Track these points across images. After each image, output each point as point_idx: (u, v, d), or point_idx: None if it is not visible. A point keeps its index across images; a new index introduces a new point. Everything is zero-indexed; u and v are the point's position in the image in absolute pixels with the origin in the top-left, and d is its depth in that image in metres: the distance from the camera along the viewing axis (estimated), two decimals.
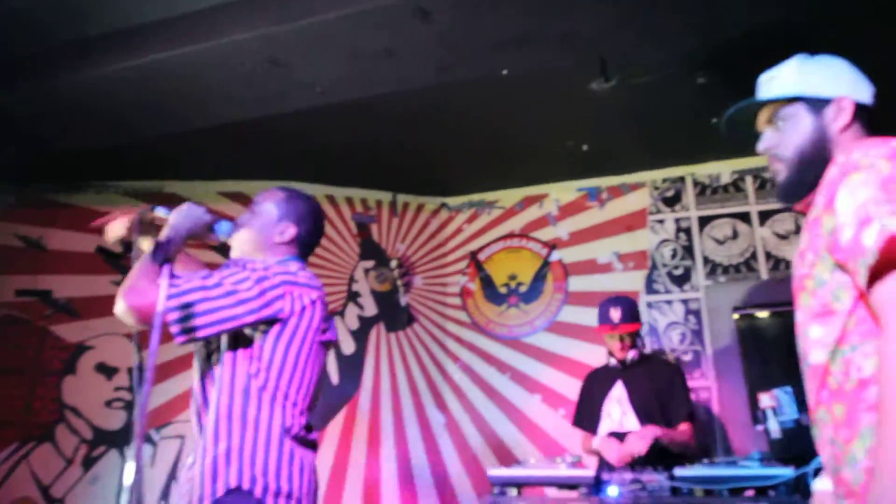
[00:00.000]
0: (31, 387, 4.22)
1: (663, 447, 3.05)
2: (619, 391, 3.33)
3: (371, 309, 4.75)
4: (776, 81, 1.46)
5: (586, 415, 3.44)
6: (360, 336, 4.66)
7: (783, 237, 4.30)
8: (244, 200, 4.76)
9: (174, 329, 1.72)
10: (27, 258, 4.45)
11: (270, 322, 1.81)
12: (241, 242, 2.05)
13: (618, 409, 3.29)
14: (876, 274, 1.09)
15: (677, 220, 4.53)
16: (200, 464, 1.75)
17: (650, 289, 4.43)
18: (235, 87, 3.53)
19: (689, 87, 3.57)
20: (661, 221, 4.56)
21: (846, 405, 1.16)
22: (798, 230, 4.29)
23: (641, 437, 3.01)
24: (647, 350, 3.45)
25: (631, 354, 3.33)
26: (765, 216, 4.38)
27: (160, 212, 1.90)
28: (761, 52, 3.38)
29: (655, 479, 2.58)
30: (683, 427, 3.22)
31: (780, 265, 4.25)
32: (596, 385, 3.45)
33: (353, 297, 4.74)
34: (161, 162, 4.49)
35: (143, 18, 3.32)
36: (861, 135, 1.37)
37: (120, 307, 1.73)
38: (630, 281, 4.48)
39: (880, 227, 1.07)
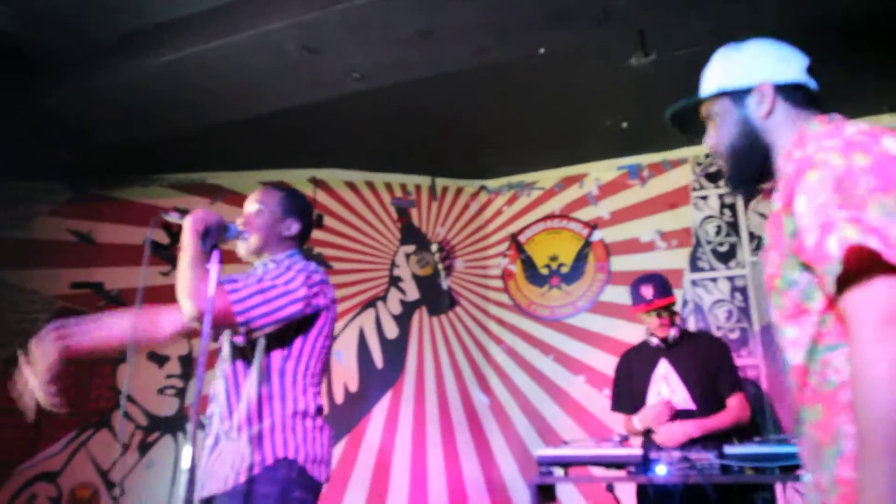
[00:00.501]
0: (88, 376, 4.37)
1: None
2: (664, 369, 3.24)
3: (413, 293, 4.77)
4: (706, 78, 1.47)
5: (626, 397, 3.35)
6: (403, 320, 4.69)
7: None
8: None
9: (241, 329, 1.89)
10: (79, 252, 4.59)
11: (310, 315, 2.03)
12: (251, 240, 2.17)
13: (666, 387, 3.22)
14: (842, 283, 1.07)
15: (721, 196, 4.44)
16: (246, 438, 1.92)
17: (694, 266, 4.36)
18: (272, 76, 3.57)
19: None
20: (704, 198, 4.48)
21: (824, 406, 1.14)
22: None
23: (673, 433, 2.95)
24: (688, 327, 3.36)
25: (672, 332, 3.24)
26: None
27: (172, 217, 2.01)
28: (801, 22, 3.30)
29: (705, 457, 2.55)
30: (732, 401, 3.12)
31: None
32: (635, 365, 3.36)
33: (394, 281, 4.77)
34: (203, 154, 4.57)
35: (178, 13, 3.38)
36: (797, 116, 1.35)
37: (189, 311, 1.83)
38: (673, 259, 4.41)
39: (839, 238, 1.05)
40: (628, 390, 3.34)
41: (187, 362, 4.42)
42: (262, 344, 2.00)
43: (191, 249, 1.93)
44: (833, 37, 3.31)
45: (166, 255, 4.61)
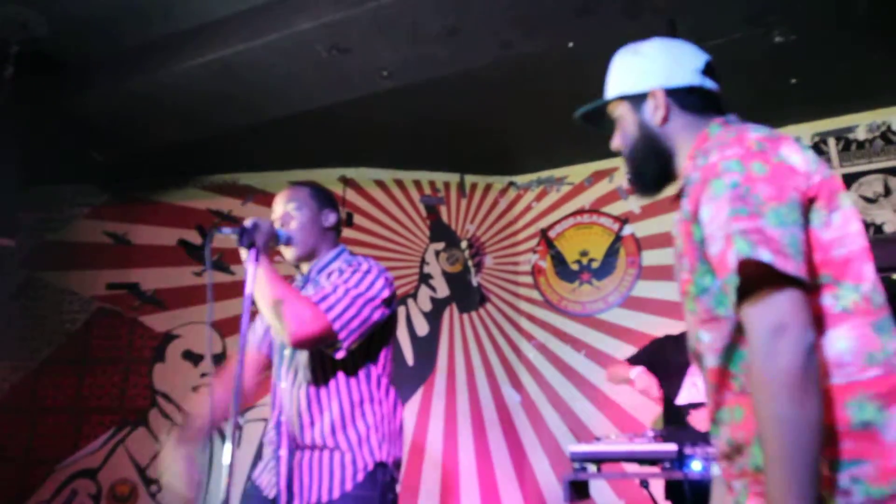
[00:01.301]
0: (124, 375, 4.45)
1: None
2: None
3: (443, 290, 4.78)
4: (609, 82, 1.47)
5: (649, 363, 3.24)
6: (434, 317, 4.70)
7: (871, 200, 4.09)
8: None
9: (341, 347, 1.87)
10: (115, 253, 4.68)
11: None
12: (300, 241, 2.11)
13: (688, 379, 3.16)
14: (741, 294, 1.07)
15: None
16: (345, 445, 1.91)
17: None
18: (302, 76, 3.59)
19: (765, 46, 3.42)
20: None
21: (747, 408, 1.13)
22: (888, 192, 4.06)
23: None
24: None
25: None
26: (850, 179, 4.16)
27: (226, 232, 1.93)
28: (838, 7, 3.22)
29: None
30: None
31: (868, 230, 4.04)
32: (680, 352, 3.24)
33: (424, 279, 4.78)
34: (235, 155, 4.63)
35: (208, 17, 3.42)
36: (695, 119, 1.34)
37: (293, 338, 1.81)
38: None
39: (734, 251, 1.06)
40: (659, 365, 3.23)
41: (221, 361, 4.48)
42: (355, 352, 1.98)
43: (264, 266, 1.87)
44: (863, 26, 3.24)
45: (200, 255, 4.68)
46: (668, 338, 3.41)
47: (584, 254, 4.73)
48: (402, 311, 4.67)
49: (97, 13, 3.35)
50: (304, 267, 2.18)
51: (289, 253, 2.13)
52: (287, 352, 2.05)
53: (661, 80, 1.37)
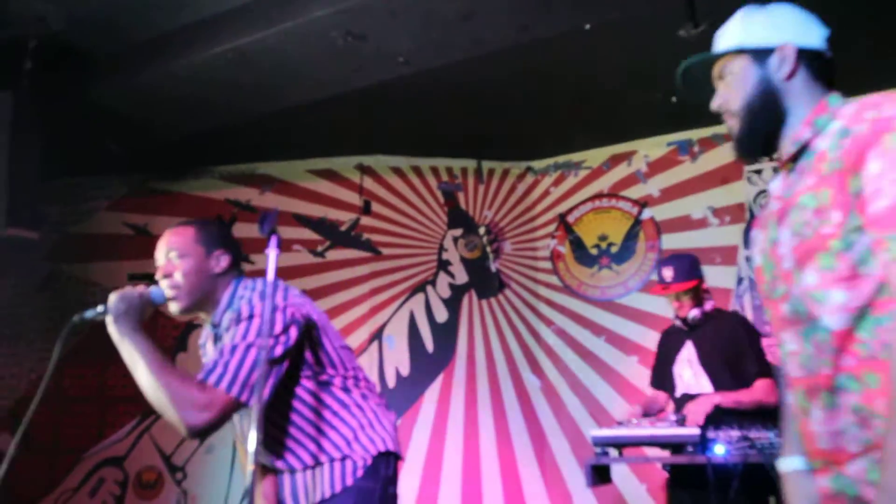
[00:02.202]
0: None
1: (731, 409, 2.87)
2: (688, 352, 3.17)
3: (462, 277, 4.78)
4: (724, 36, 1.43)
5: (659, 376, 3.32)
6: (453, 304, 4.70)
7: None
8: (333, 177, 4.86)
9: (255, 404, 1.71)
10: (136, 244, 4.73)
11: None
12: (185, 294, 1.91)
13: (689, 370, 3.14)
14: None
15: (776, 169, 4.30)
16: (336, 454, 1.90)
17: (749, 243, 4.25)
18: (318, 64, 3.59)
19: None
20: (758, 172, 4.35)
21: (883, 375, 1.10)
22: None
23: (698, 407, 2.82)
24: (709, 308, 3.22)
25: (692, 314, 3.13)
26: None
27: (90, 315, 1.81)
28: (817, 5, 3.15)
29: (765, 436, 2.49)
30: (759, 383, 2.96)
31: None
32: (668, 345, 3.30)
33: (443, 265, 4.78)
34: (252, 144, 4.64)
35: (223, 6, 3.43)
36: (815, 85, 1.33)
37: (188, 430, 1.67)
38: (727, 236, 4.31)
39: None
40: (662, 370, 3.29)
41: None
42: (291, 381, 1.88)
43: (139, 350, 1.71)
44: (843, 23, 3.18)
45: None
46: (669, 328, 3.42)
47: (602, 238, 4.70)
48: (421, 297, 4.68)
49: (114, 5, 3.37)
50: (205, 317, 2.00)
51: (173, 308, 1.92)
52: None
53: (793, 37, 1.35)
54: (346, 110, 4.12)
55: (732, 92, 1.39)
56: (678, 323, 3.23)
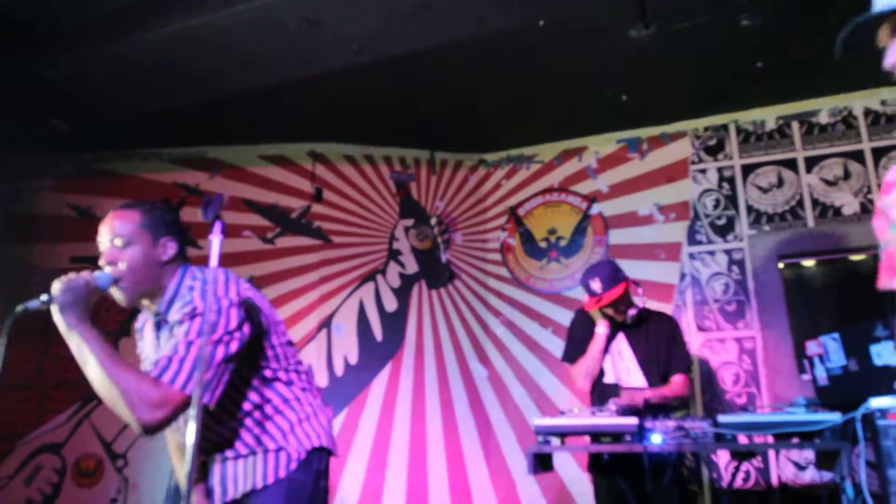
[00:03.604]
0: None
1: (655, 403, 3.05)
2: (621, 345, 3.32)
3: (412, 266, 4.80)
4: None
5: (577, 354, 3.38)
6: (402, 293, 4.72)
7: (831, 183, 4.19)
8: (285, 164, 4.82)
9: (208, 403, 1.72)
10: (79, 226, 4.60)
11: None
12: (131, 284, 1.83)
13: (622, 364, 3.30)
14: None
15: (720, 170, 4.45)
16: (271, 445, 1.92)
17: (692, 239, 4.38)
18: (271, 48, 3.55)
19: (732, 30, 3.47)
20: (703, 171, 4.48)
21: None
22: (847, 175, 4.16)
23: (632, 400, 3.00)
24: (642, 303, 3.35)
25: (630, 314, 3.27)
26: (812, 162, 4.27)
27: (34, 305, 1.70)
28: None
29: (699, 425, 2.59)
30: (676, 379, 3.23)
31: (827, 212, 4.15)
32: (589, 327, 3.36)
33: (393, 255, 4.79)
34: (203, 128, 4.56)
35: None
36: None
37: (141, 426, 1.64)
38: (671, 232, 4.43)
39: None
40: (583, 345, 3.36)
41: None
42: (236, 373, 1.83)
43: (88, 343, 1.64)
44: (828, 12, 3.29)
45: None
46: (579, 312, 3.52)
47: (552, 232, 4.78)
48: (371, 286, 4.68)
49: None
50: (149, 304, 1.93)
51: (118, 296, 1.84)
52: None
53: None
54: (300, 96, 4.09)
55: None
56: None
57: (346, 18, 3.32)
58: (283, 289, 4.55)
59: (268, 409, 1.94)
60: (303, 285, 4.60)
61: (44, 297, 1.69)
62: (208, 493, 1.94)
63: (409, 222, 4.88)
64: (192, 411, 1.50)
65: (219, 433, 1.92)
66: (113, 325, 4.44)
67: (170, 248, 1.90)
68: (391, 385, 4.48)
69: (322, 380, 4.41)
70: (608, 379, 3.32)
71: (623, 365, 3.30)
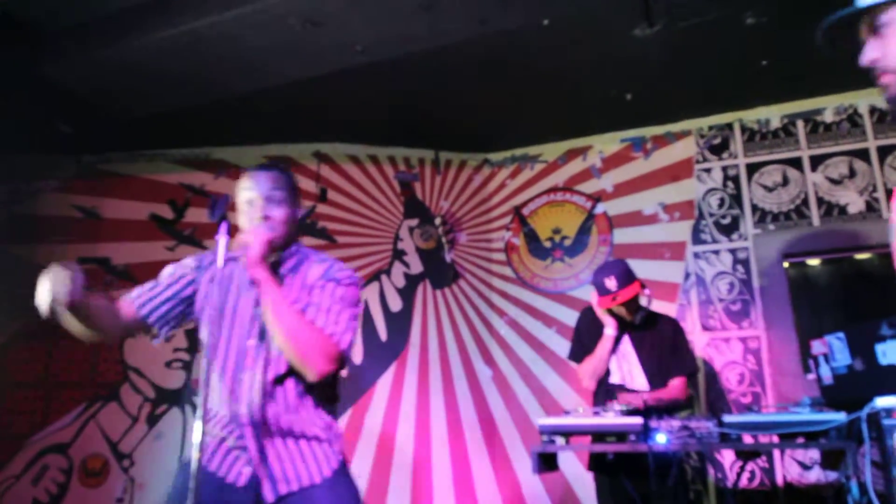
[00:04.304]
0: (95, 350, 4.42)
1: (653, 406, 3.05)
2: (626, 346, 3.32)
3: (417, 266, 4.80)
4: None
5: (587, 352, 3.38)
6: (407, 293, 4.72)
7: (836, 182, 4.18)
8: (290, 164, 4.82)
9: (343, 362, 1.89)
10: (85, 227, 4.62)
11: None
12: (278, 237, 1.96)
13: (625, 365, 3.31)
14: None
15: (724, 169, 4.44)
16: (321, 434, 1.93)
17: (697, 239, 4.37)
18: (275, 49, 3.56)
19: (736, 28, 3.46)
20: (707, 170, 4.47)
21: None
22: (853, 174, 4.15)
23: (629, 403, 3.00)
24: (647, 304, 3.35)
25: (640, 316, 3.30)
26: (817, 161, 4.25)
27: (223, 239, 1.80)
28: None
29: (704, 425, 2.58)
30: (674, 383, 3.24)
31: (832, 211, 4.14)
32: (597, 326, 3.36)
33: (398, 255, 4.79)
34: (208, 129, 4.57)
35: None
36: None
37: (315, 374, 1.81)
38: (676, 231, 4.42)
39: None
40: (590, 344, 3.37)
41: (194, 336, 4.47)
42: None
43: (277, 292, 1.81)
44: (834, 9, 3.28)
45: (171, 230, 4.64)
46: (586, 311, 3.52)
47: (556, 231, 4.78)
48: (375, 286, 4.68)
49: None
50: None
51: (257, 250, 1.91)
52: (251, 342, 1.92)
53: None
54: (304, 97, 4.10)
55: (891, 46, 1.25)
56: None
57: (350, 19, 3.32)
58: None
59: (329, 392, 1.99)
60: None
61: (238, 252, 1.83)
62: (248, 486, 1.86)
63: (414, 222, 4.88)
64: (199, 411, 1.52)
65: (298, 413, 1.92)
66: None
67: (300, 213, 2.07)
68: (396, 385, 4.49)
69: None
70: (614, 379, 3.33)
71: (627, 367, 3.31)
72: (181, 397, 4.37)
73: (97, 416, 4.34)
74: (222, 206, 1.80)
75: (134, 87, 3.90)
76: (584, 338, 3.44)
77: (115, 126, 4.28)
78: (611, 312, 3.32)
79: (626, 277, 3.23)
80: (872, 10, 1.27)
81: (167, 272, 2.09)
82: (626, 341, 3.33)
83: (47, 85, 3.78)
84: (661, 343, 3.31)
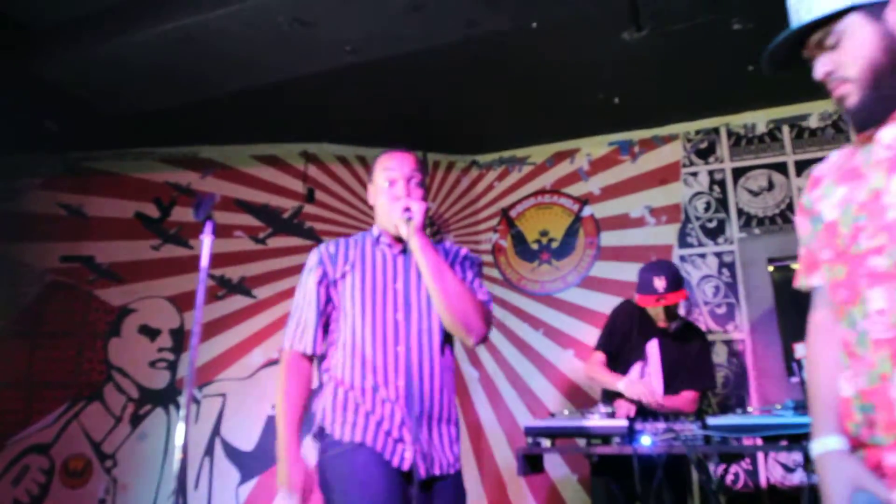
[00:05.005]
0: (78, 349, 4.38)
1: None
2: (653, 350, 3.27)
3: None
4: (818, 1, 1.29)
5: (612, 344, 3.35)
6: None
7: None
8: (277, 164, 4.81)
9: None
10: (69, 225, 4.58)
11: None
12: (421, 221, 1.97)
13: (647, 368, 3.27)
14: None
15: (711, 173, 4.47)
16: (453, 422, 1.98)
17: (683, 242, 4.40)
18: (264, 48, 3.54)
19: (723, 33, 3.48)
20: (694, 174, 4.50)
21: None
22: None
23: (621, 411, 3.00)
24: (683, 312, 3.31)
25: (675, 324, 3.25)
26: (802, 166, 4.29)
27: (407, 212, 1.92)
28: None
29: (689, 428, 2.60)
30: (686, 394, 3.19)
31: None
32: (632, 323, 3.34)
33: None
34: (195, 128, 4.55)
35: None
36: None
37: (479, 336, 1.90)
38: (663, 235, 4.45)
39: None
40: (620, 342, 3.33)
41: (179, 335, 4.44)
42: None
43: (435, 256, 1.87)
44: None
45: (157, 228, 4.61)
46: (634, 307, 3.42)
47: (543, 234, 4.79)
48: None
49: None
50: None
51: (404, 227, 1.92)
52: (399, 315, 1.94)
53: None
54: (292, 97, 4.08)
55: (845, 55, 1.26)
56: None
57: (339, 19, 3.31)
58: (275, 289, 4.54)
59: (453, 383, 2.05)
60: (294, 286, 4.57)
61: (406, 216, 1.88)
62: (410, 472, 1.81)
63: None
64: (182, 412, 1.51)
65: (441, 372, 1.96)
66: (102, 326, 4.43)
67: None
68: None
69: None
70: (620, 387, 3.23)
71: (648, 370, 3.25)
72: (166, 397, 4.34)
73: (80, 417, 4.30)
74: (207, 206, 1.79)
75: (121, 85, 3.87)
76: (615, 333, 3.37)
77: (101, 124, 4.25)
78: (650, 312, 3.26)
79: (676, 281, 3.17)
80: (822, 25, 1.28)
81: (311, 299, 2.10)
82: (655, 346, 3.26)
83: (34, 82, 3.75)
84: (686, 354, 3.26)
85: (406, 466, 1.79)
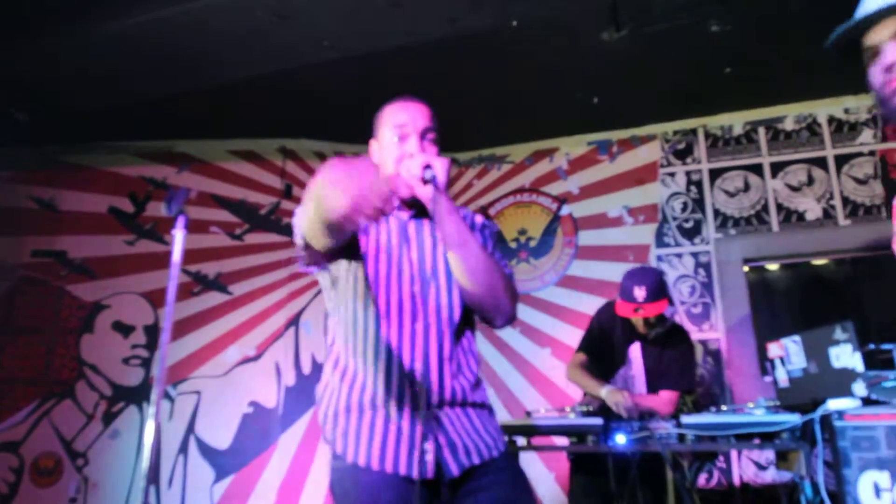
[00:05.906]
0: (50, 345, 4.31)
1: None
2: (635, 353, 3.29)
3: None
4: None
5: (597, 348, 3.33)
6: None
7: (796, 189, 4.27)
8: (255, 159, 4.76)
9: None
10: (41, 219, 4.50)
11: None
12: (445, 174, 1.65)
13: (629, 371, 3.29)
14: None
15: (688, 173, 4.50)
16: (486, 400, 1.67)
17: (660, 242, 4.43)
18: (243, 42, 3.51)
19: (702, 35, 3.51)
20: (671, 174, 4.54)
21: None
22: (811, 181, 4.24)
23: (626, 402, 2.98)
24: (670, 316, 3.24)
25: (654, 332, 3.19)
26: (777, 168, 4.34)
27: (429, 173, 1.58)
28: (774, 0, 3.33)
29: (663, 426, 2.62)
30: (664, 394, 3.15)
31: (791, 217, 4.23)
32: (613, 325, 3.32)
33: None
34: (171, 121, 4.48)
35: None
36: None
37: (510, 315, 1.63)
38: (640, 234, 4.48)
39: None
40: (601, 345, 3.32)
41: (153, 332, 4.39)
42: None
43: (460, 221, 1.56)
44: (797, 21, 3.35)
45: (131, 223, 4.55)
46: (609, 307, 3.41)
47: (522, 232, 4.80)
48: None
49: None
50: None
51: (425, 192, 1.60)
52: (416, 288, 1.63)
53: None
54: (271, 92, 4.05)
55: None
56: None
57: (317, 14, 3.29)
58: (251, 286, 4.50)
59: (478, 359, 1.73)
60: (271, 282, 4.55)
61: (428, 175, 1.57)
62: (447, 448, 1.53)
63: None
64: (152, 409, 1.48)
65: (462, 351, 1.66)
66: (75, 322, 4.36)
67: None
68: None
69: (289, 378, 4.37)
70: (602, 393, 3.19)
71: (630, 372, 3.27)
72: (139, 395, 4.29)
73: (50, 414, 4.23)
74: (179, 200, 1.73)
75: (95, 77, 3.80)
76: (597, 335, 3.34)
77: (74, 117, 4.18)
78: (629, 322, 3.22)
79: (658, 292, 3.05)
80: (883, 21, 1.21)
81: None
82: (637, 349, 3.26)
83: (7, 75, 3.67)
84: (668, 356, 3.22)
85: (430, 472, 1.49)
